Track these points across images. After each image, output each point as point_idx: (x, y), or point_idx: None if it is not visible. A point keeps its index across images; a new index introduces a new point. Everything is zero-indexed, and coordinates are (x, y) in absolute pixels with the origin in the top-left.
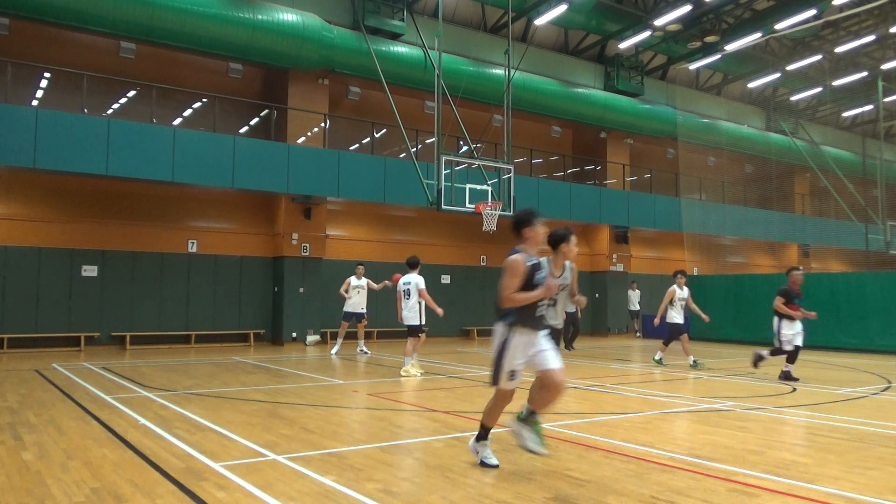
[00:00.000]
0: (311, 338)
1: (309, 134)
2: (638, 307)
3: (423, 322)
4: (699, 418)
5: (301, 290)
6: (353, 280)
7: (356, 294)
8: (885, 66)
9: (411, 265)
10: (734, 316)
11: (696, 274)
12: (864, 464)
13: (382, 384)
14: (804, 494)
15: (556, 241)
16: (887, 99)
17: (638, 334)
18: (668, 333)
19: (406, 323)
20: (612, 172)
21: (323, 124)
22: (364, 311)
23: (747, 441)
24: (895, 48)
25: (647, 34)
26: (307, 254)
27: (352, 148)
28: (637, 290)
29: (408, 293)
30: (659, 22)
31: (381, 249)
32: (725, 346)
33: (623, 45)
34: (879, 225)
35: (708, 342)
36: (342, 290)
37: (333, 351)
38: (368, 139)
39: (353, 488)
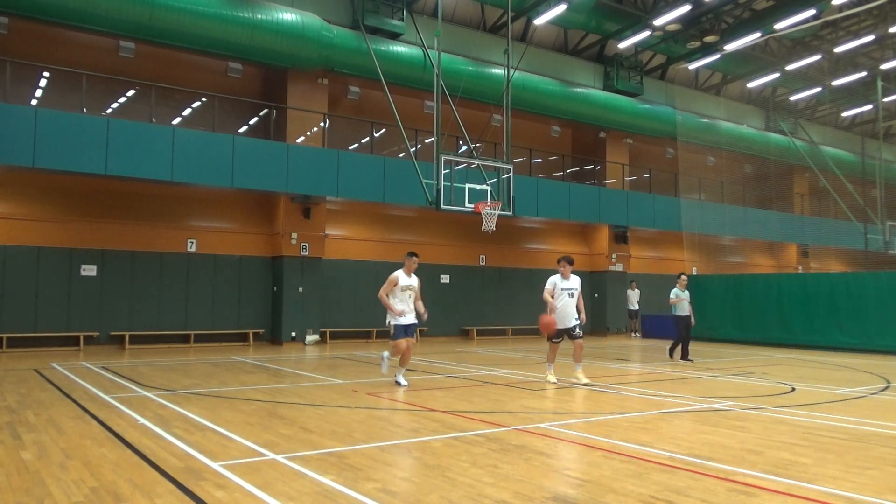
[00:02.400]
0: (310, 337)
1: (308, 133)
2: (637, 307)
3: None
4: (698, 418)
5: (300, 289)
6: (400, 277)
7: (407, 298)
8: (885, 66)
9: (570, 262)
10: (733, 316)
11: (695, 274)
12: (863, 463)
13: (382, 384)
14: (803, 494)
15: None
16: (886, 99)
17: (636, 334)
18: None
19: (569, 325)
20: (612, 172)
21: (322, 124)
22: (416, 321)
23: (746, 441)
24: (894, 48)
25: (646, 34)
26: (306, 253)
27: (351, 147)
28: (636, 290)
29: (572, 294)
30: (658, 22)
31: (381, 249)
32: (724, 345)
33: (622, 45)
34: (878, 225)
35: (707, 342)
36: (383, 294)
37: (401, 381)
38: (368, 139)
39: (353, 488)
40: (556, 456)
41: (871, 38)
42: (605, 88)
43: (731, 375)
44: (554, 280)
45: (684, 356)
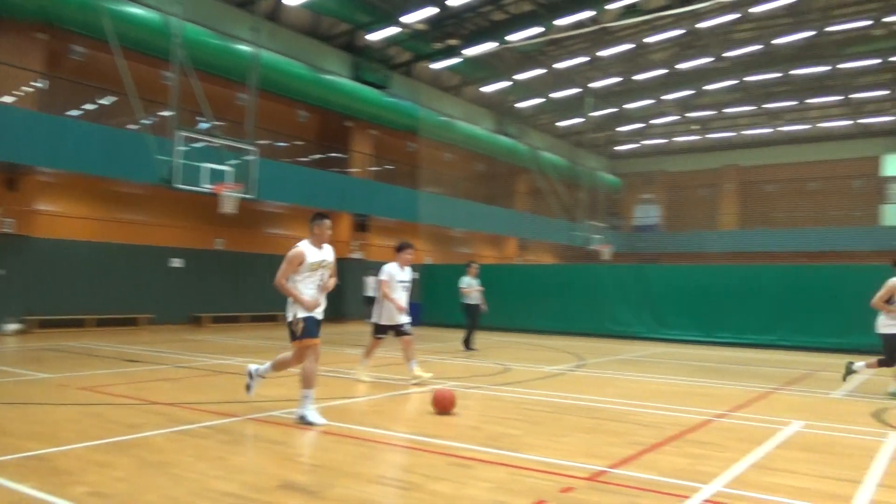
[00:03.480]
0: (10, 326)
1: (18, 94)
2: (374, 294)
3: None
4: (426, 399)
5: (2, 271)
6: (307, 252)
7: (318, 282)
8: (593, 85)
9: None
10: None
11: (429, 263)
12: (561, 432)
13: (97, 377)
14: (512, 462)
15: None
16: (593, 114)
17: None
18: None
19: (400, 322)
20: (357, 162)
21: (38, 83)
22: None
23: (467, 417)
24: (602, 69)
25: (395, 30)
26: (11, 230)
27: (73, 114)
28: (374, 277)
29: (406, 287)
30: (406, 19)
31: (103, 228)
32: (452, 331)
33: (371, 38)
34: (582, 223)
35: (436, 328)
36: (282, 280)
37: (314, 418)
38: (94, 106)
39: (58, 494)
40: (289, 444)
41: (585, 58)
42: (354, 79)
43: (456, 358)
44: (390, 271)
45: (468, 345)
